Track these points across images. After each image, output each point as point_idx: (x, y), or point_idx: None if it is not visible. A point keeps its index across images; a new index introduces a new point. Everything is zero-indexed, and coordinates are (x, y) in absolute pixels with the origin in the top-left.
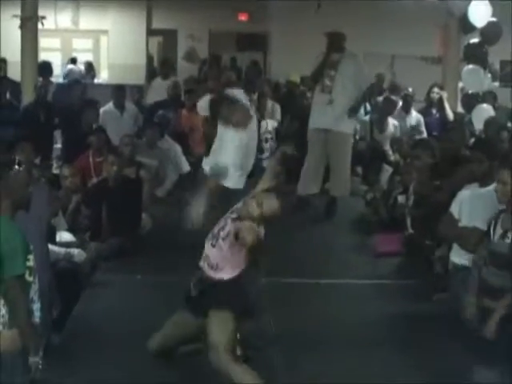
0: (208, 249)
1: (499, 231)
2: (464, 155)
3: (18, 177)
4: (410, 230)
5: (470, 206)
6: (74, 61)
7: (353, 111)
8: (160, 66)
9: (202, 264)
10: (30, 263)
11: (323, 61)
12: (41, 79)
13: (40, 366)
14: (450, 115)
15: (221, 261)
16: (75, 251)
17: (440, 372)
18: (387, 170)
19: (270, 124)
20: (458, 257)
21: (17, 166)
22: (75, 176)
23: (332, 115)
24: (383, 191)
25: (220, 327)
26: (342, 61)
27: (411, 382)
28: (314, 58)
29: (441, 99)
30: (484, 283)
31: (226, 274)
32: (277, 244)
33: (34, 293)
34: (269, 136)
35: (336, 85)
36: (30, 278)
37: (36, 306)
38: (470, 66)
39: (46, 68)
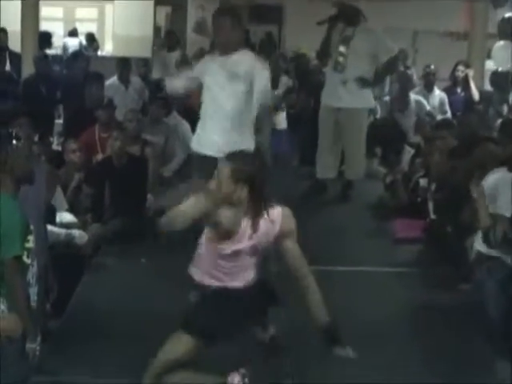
0: None
1: None
2: (485, 136)
3: (19, 152)
4: (433, 216)
5: (498, 191)
6: (72, 33)
7: (365, 82)
8: (165, 37)
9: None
10: (29, 244)
11: (327, 35)
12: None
13: (37, 353)
14: (476, 95)
15: None
16: (76, 232)
17: (461, 363)
18: (409, 152)
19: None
20: (484, 245)
21: (15, 141)
22: (80, 151)
23: (344, 92)
24: (404, 174)
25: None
26: (356, 36)
27: (432, 373)
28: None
29: (466, 77)
30: None
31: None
32: None
33: (31, 276)
34: None
35: (349, 63)
36: (27, 260)
37: (33, 290)
38: (502, 42)
39: (45, 39)
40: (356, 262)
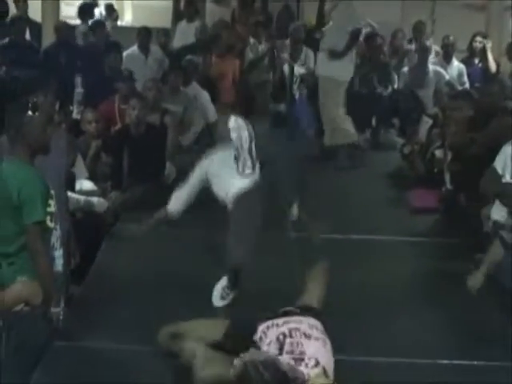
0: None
1: None
2: (504, 107)
3: (36, 120)
4: (449, 186)
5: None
6: (90, 6)
7: (333, 54)
8: (184, 7)
9: None
10: (51, 209)
11: (318, 9)
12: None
13: (61, 317)
14: (493, 66)
15: None
16: (95, 200)
17: (477, 330)
18: (427, 122)
19: (296, 70)
20: (500, 214)
21: (31, 112)
22: (98, 121)
23: (321, 61)
24: (421, 144)
25: None
26: (337, 7)
27: (448, 341)
28: None
29: (484, 49)
30: None
31: None
32: (308, 198)
33: (55, 239)
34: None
35: (326, 35)
36: (51, 224)
37: (58, 253)
38: None
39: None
40: (372, 230)
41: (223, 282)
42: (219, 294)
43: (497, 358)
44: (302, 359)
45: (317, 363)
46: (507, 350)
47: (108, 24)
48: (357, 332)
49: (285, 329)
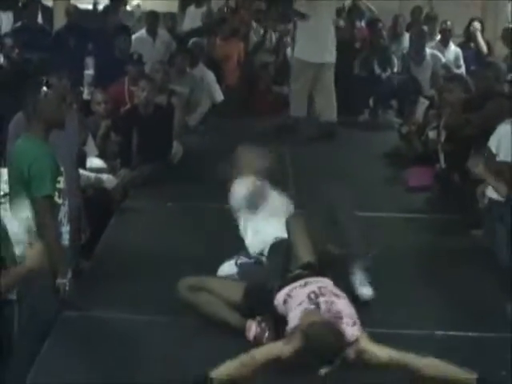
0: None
1: None
2: (498, 90)
3: (49, 99)
4: (443, 165)
5: (510, 141)
6: None
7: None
8: None
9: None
10: (60, 185)
11: None
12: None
13: (67, 288)
14: (484, 48)
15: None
16: (105, 177)
17: (471, 307)
18: (423, 103)
19: None
20: (495, 192)
21: (46, 89)
22: (107, 102)
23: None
24: (418, 125)
25: None
26: None
27: (444, 316)
28: None
29: (474, 33)
30: None
31: None
32: (305, 176)
33: (63, 215)
34: None
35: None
36: (59, 200)
37: (65, 229)
38: None
39: None
40: (369, 207)
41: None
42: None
43: (492, 330)
44: (341, 318)
45: (354, 323)
46: (503, 321)
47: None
48: (354, 304)
49: (313, 287)
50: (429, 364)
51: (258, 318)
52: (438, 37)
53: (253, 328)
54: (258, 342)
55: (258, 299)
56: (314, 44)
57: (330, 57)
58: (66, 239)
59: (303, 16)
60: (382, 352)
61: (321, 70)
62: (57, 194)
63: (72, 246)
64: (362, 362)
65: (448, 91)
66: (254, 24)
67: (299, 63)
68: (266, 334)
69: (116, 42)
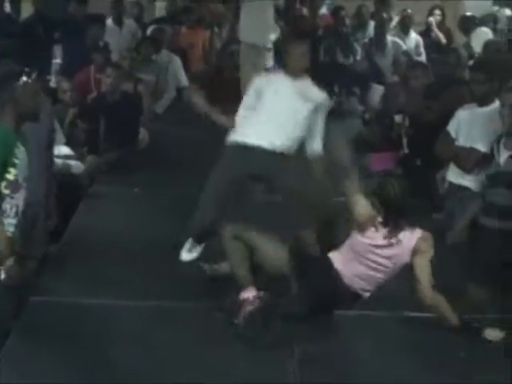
0: None
1: (504, 153)
2: (459, 77)
3: (26, 88)
4: (406, 150)
5: (469, 125)
6: None
7: None
8: None
9: None
10: (11, 177)
11: None
12: None
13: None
14: (441, 38)
15: None
16: (73, 163)
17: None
18: (377, 89)
19: None
20: (455, 176)
21: (25, 78)
22: (74, 90)
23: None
24: (378, 111)
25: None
26: None
27: (404, 296)
28: None
29: (442, 21)
30: (489, 204)
31: None
32: None
33: (9, 207)
34: None
35: None
36: (5, 191)
37: (9, 221)
38: None
39: None
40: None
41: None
42: (186, 248)
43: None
44: None
45: None
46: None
47: None
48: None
49: None
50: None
51: (261, 293)
52: (393, 23)
53: (249, 294)
54: (238, 308)
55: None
56: (257, 27)
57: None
58: (9, 231)
59: None
60: None
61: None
62: (4, 184)
63: (18, 236)
64: None
65: (413, 78)
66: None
67: (244, 46)
68: (250, 307)
69: (89, 31)
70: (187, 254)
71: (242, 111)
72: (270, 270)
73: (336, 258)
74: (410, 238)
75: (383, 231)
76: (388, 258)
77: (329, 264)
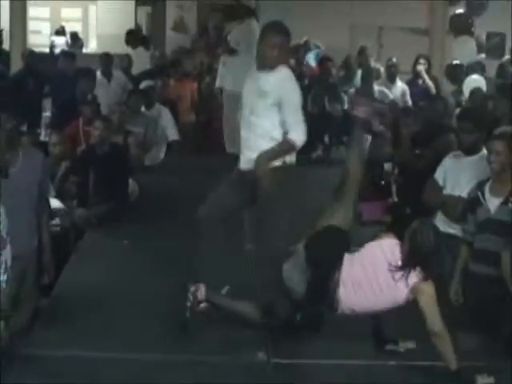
0: None
1: (492, 199)
2: (446, 124)
3: None
4: (395, 198)
5: (456, 174)
6: (58, 32)
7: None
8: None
9: None
10: None
11: None
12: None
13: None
14: (432, 87)
15: None
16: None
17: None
18: (367, 139)
19: None
20: (443, 225)
21: None
22: (63, 143)
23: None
24: (367, 159)
25: None
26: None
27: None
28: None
29: (427, 70)
30: (479, 251)
31: None
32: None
33: None
34: None
35: None
36: None
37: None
38: (463, 37)
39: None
40: None
41: None
42: None
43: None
44: None
45: None
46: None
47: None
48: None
49: None
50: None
51: None
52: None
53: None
54: None
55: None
56: (238, 76)
57: None
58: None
59: (235, 52)
60: None
61: None
62: None
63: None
64: None
65: (404, 125)
66: None
67: (225, 93)
68: None
69: (79, 85)
70: None
71: None
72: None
73: None
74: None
75: None
76: None
77: None
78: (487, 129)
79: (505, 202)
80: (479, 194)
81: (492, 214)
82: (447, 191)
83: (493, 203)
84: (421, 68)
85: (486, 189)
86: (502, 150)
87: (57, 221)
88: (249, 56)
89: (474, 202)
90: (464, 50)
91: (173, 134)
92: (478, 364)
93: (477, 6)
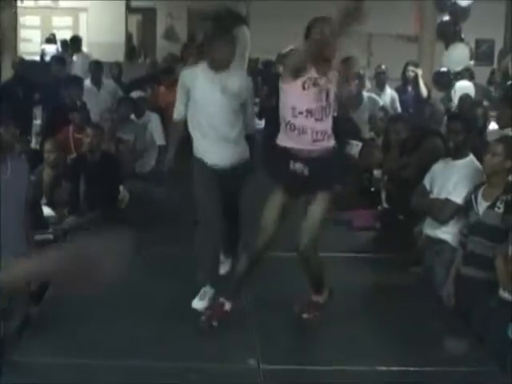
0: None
1: (482, 202)
2: (434, 130)
3: None
4: (385, 205)
5: (443, 177)
6: (49, 40)
7: None
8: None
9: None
10: None
11: None
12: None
13: None
14: (424, 92)
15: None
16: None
17: (412, 340)
18: (356, 145)
19: None
20: (432, 229)
21: None
22: (57, 151)
23: None
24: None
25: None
26: None
27: (385, 351)
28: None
29: (416, 77)
30: (469, 254)
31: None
32: (251, 217)
33: None
34: None
35: None
36: None
37: None
38: (455, 44)
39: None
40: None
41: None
42: (198, 296)
43: (431, 364)
44: None
45: None
46: (442, 354)
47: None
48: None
49: None
50: None
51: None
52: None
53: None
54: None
55: None
56: None
57: None
58: None
59: None
60: None
61: None
62: None
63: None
64: None
65: (394, 131)
66: None
67: None
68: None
69: (67, 93)
70: (198, 302)
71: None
72: None
73: None
74: None
75: None
76: None
77: None
78: (476, 133)
79: (491, 206)
80: (472, 197)
81: (480, 217)
82: (433, 195)
83: (482, 206)
84: (417, 72)
85: (480, 192)
86: (500, 152)
87: (49, 228)
88: (240, 63)
89: (467, 206)
90: (457, 57)
91: (160, 139)
92: (467, 368)
93: (459, 12)
